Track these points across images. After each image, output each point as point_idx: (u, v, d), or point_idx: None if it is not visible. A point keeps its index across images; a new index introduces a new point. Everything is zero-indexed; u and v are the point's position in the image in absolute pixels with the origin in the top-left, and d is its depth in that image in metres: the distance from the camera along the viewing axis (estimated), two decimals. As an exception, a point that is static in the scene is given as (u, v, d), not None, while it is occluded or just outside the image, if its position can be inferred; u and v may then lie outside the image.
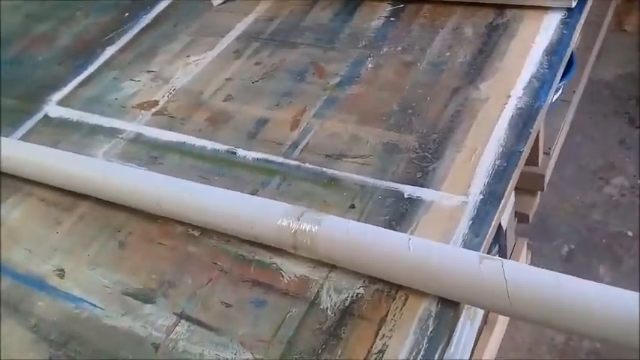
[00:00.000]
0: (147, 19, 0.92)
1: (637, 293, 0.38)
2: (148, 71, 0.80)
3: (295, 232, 0.47)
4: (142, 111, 0.73)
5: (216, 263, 0.53)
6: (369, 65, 0.69)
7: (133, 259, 0.55)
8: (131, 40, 0.88)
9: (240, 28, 0.83)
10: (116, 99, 0.77)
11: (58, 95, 0.81)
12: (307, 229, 0.47)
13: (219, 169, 0.62)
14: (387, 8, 0.77)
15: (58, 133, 0.74)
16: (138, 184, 0.57)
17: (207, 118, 0.69)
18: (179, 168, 0.63)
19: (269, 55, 0.76)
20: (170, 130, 0.69)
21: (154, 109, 0.73)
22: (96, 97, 0.79)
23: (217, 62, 0.78)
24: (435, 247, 0.43)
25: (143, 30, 0.90)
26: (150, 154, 0.66)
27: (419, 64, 0.67)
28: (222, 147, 0.64)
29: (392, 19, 0.75)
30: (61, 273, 0.56)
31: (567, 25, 0.65)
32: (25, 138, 0.75)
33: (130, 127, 0.71)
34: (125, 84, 0.79)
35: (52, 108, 0.79)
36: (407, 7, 0.76)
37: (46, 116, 0.78)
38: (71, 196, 0.63)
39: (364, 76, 0.68)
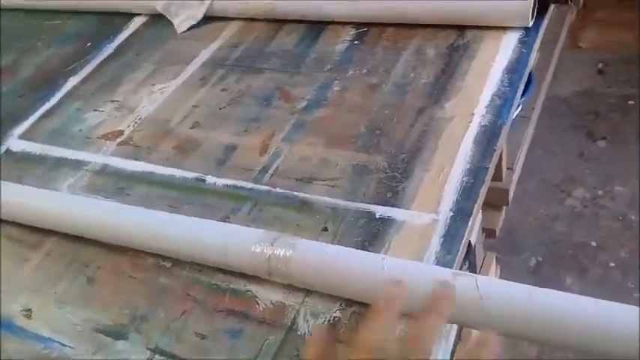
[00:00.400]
0: (110, 48, 0.91)
1: (605, 301, 0.39)
2: (112, 101, 0.79)
3: (269, 258, 0.47)
4: (107, 142, 0.72)
5: (189, 294, 0.52)
6: (335, 88, 0.70)
7: (102, 294, 0.54)
8: (94, 71, 0.87)
9: (205, 55, 0.83)
10: (80, 130, 0.75)
11: (20, 129, 0.79)
12: (281, 254, 0.47)
13: (188, 197, 0.61)
14: (350, 32, 0.78)
15: (21, 167, 0.72)
16: (105, 216, 0.56)
17: (174, 147, 0.68)
18: (147, 198, 0.62)
19: (235, 81, 0.76)
20: (136, 160, 0.68)
21: (119, 139, 0.72)
22: (59, 129, 0.77)
23: (183, 90, 0.77)
24: (408, 266, 0.43)
25: (106, 60, 0.89)
26: (117, 185, 0.65)
27: (384, 85, 0.68)
28: (190, 175, 0.64)
29: (356, 42, 0.76)
30: (28, 313, 0.54)
31: (525, 44, 0.67)
32: (-14, 174, 0.72)
33: (95, 158, 0.70)
34: (89, 115, 0.78)
35: (14, 142, 0.77)
36: (370, 31, 0.77)
37: (7, 151, 0.76)
38: (37, 232, 0.62)
39: (331, 99, 0.68)
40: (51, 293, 0.55)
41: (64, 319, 0.53)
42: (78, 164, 0.70)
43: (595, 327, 0.38)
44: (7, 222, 0.64)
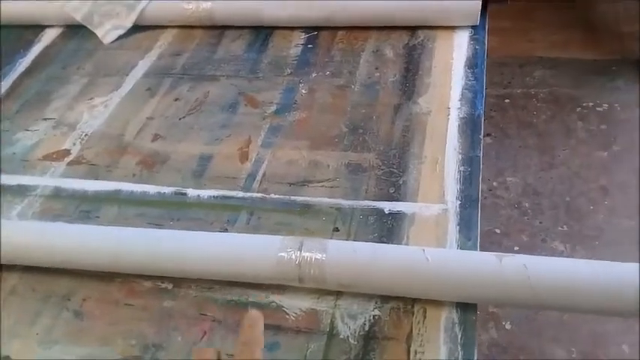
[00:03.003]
0: (24, 62, 0.82)
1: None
2: (45, 119, 0.71)
3: (299, 264, 0.44)
4: (53, 162, 0.64)
5: (204, 314, 0.47)
6: (303, 91, 0.68)
7: (98, 327, 0.48)
8: (12, 87, 0.78)
9: (144, 64, 0.77)
10: (14, 153, 0.67)
11: None
12: (312, 259, 0.44)
13: (170, 213, 0.56)
14: (301, 36, 0.77)
15: (-55, 199, 0.62)
16: (88, 241, 0.49)
17: (138, 162, 0.62)
18: (121, 219, 0.56)
19: (189, 90, 0.71)
20: (96, 179, 0.61)
21: (67, 159, 0.64)
22: (-16, 153, 0.67)
23: (129, 102, 0.71)
24: (451, 255, 0.43)
25: (25, 74, 0.79)
26: (79, 208, 0.58)
27: (352, 86, 0.68)
28: (167, 190, 0.59)
29: (309, 46, 0.75)
30: (6, 361, 0.46)
31: (477, 40, 0.71)
32: None
33: (42, 181, 0.62)
34: (19, 135, 0.69)
35: None
36: (320, 34, 0.77)
37: None
38: (-12, 268, 0.53)
39: (301, 102, 0.67)
40: (31, 335, 0.48)
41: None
42: (22, 189, 0.62)
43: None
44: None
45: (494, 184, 1.54)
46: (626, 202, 1.29)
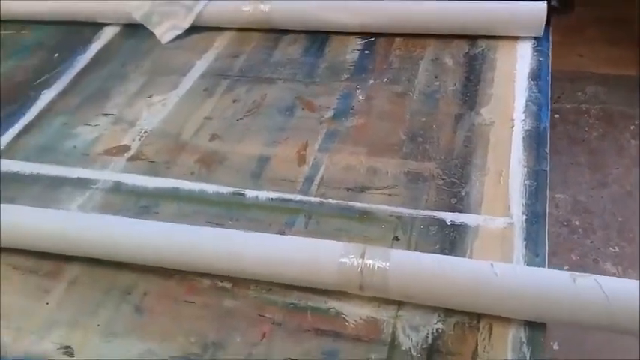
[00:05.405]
0: (84, 59, 0.84)
1: None
2: (105, 114, 0.72)
3: (362, 271, 0.44)
4: (113, 157, 0.65)
5: (263, 316, 0.47)
6: (360, 97, 0.68)
7: (158, 323, 0.48)
8: (72, 83, 0.79)
9: (201, 65, 0.78)
10: (75, 147, 0.68)
11: (-5, 146, 0.70)
12: (376, 266, 0.44)
13: (230, 212, 0.56)
14: (357, 42, 0.77)
15: (9, 188, 0.64)
16: (150, 237, 0.50)
17: (197, 160, 0.63)
18: (180, 215, 0.57)
19: (246, 92, 0.72)
20: (155, 175, 0.62)
21: (127, 155, 0.65)
22: (45, 145, 0.69)
23: (187, 101, 0.72)
24: (520, 270, 0.42)
25: (84, 71, 0.81)
26: (138, 203, 0.59)
27: (411, 93, 0.67)
28: (225, 189, 0.59)
29: (366, 52, 0.75)
30: (68, 350, 0.47)
31: (541, 52, 0.69)
32: (-35, 198, 0.63)
33: (103, 176, 0.63)
34: (80, 130, 0.71)
35: (-9, 161, 0.68)
36: (377, 41, 0.77)
37: (-15, 171, 0.67)
38: (52, 259, 0.54)
39: (358, 107, 0.67)
40: (92, 326, 0.48)
41: (116, 354, 0.46)
42: (83, 183, 0.63)
43: None
44: (7, 250, 0.55)
45: (544, 201, 1.51)
46: (681, 225, 1.24)
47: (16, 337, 0.48)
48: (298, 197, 0.57)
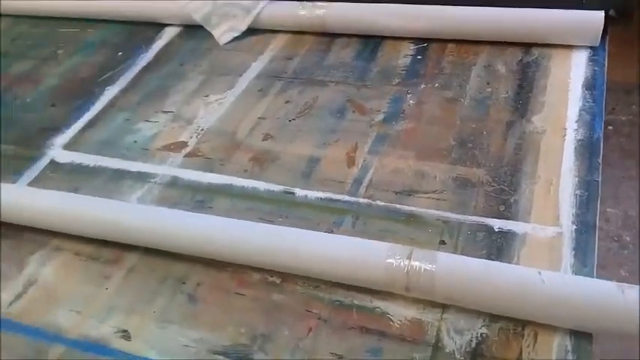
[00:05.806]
0: (146, 58, 0.87)
1: None
2: (164, 111, 0.76)
3: (408, 272, 0.45)
4: (171, 153, 0.68)
5: (310, 311, 0.49)
6: (411, 102, 0.69)
7: (210, 313, 0.50)
8: (134, 80, 0.83)
9: (257, 66, 0.80)
10: (135, 141, 0.71)
11: (62, 139, 0.74)
12: (422, 269, 0.45)
13: (280, 210, 0.58)
14: (410, 47, 0.78)
15: (73, 179, 0.67)
16: (206, 230, 0.52)
17: (250, 159, 0.65)
18: (233, 211, 0.59)
19: (298, 94, 0.74)
20: (210, 172, 0.65)
21: (184, 151, 0.68)
22: (108, 140, 0.73)
23: (242, 101, 0.75)
24: (568, 280, 0.42)
25: (146, 69, 0.85)
26: (194, 198, 0.62)
27: (462, 99, 0.67)
28: (276, 187, 0.61)
29: (419, 57, 0.76)
30: (125, 334, 0.50)
31: (596, 62, 0.68)
32: (34, 186, 0.67)
33: (161, 170, 0.66)
34: (140, 125, 0.74)
35: (58, 152, 0.72)
36: (430, 46, 0.77)
37: (52, 162, 0.71)
38: (111, 247, 0.57)
39: (408, 112, 0.67)
40: (148, 312, 0.51)
41: (171, 340, 0.48)
42: (142, 176, 0.66)
43: None
44: (70, 237, 0.59)
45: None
46: None
47: (76, 320, 0.51)
48: (346, 198, 0.58)
